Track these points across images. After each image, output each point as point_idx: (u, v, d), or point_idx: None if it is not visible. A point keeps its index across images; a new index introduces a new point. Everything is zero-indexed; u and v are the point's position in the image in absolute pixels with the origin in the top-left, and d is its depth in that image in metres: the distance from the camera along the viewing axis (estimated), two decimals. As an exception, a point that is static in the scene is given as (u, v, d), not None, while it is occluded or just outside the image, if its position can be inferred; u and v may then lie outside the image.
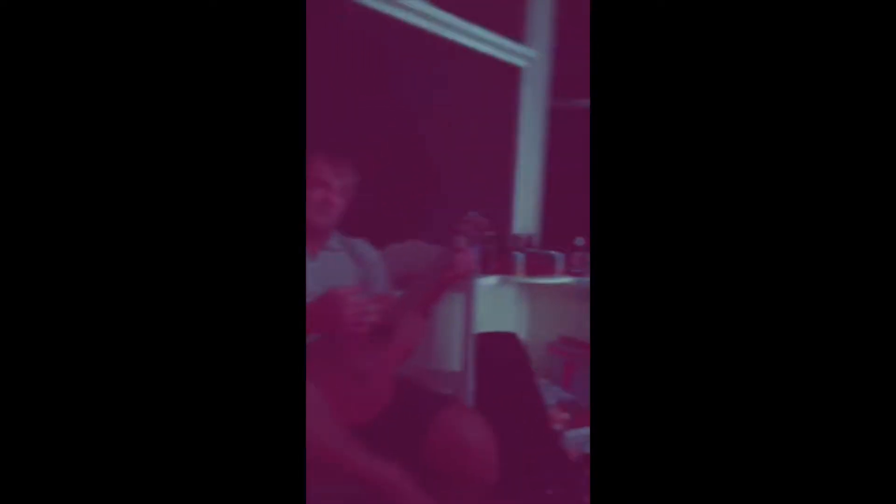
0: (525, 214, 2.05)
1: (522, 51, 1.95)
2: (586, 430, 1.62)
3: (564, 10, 1.95)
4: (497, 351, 1.51)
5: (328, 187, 0.99)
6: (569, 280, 1.80)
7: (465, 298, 1.64)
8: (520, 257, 1.83)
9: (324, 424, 0.77)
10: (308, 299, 0.82)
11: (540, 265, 1.83)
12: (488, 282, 1.83)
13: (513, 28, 1.95)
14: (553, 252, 1.83)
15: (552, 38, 1.98)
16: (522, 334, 2.04)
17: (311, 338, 0.86)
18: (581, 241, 1.83)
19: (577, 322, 1.87)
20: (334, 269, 1.05)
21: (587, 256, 1.80)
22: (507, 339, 1.56)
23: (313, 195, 0.98)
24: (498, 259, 1.84)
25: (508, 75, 1.99)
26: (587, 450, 1.59)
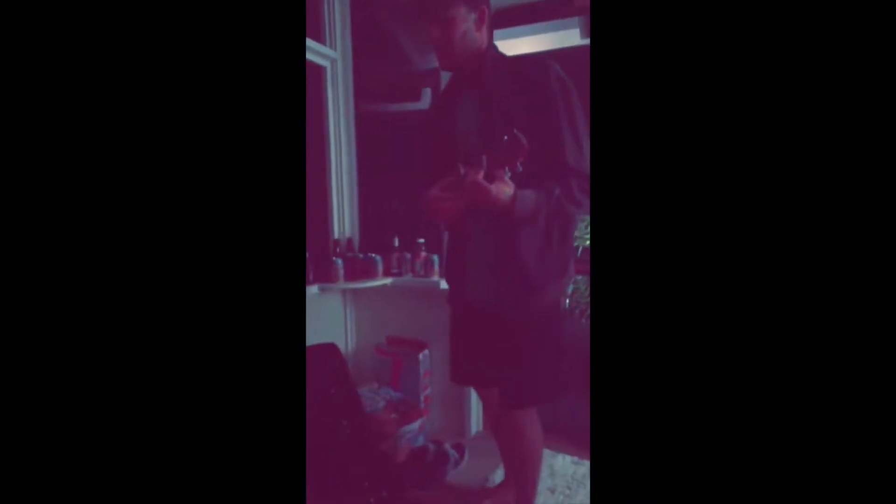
0: (342, 218, 2.01)
1: (324, 51, 1.89)
2: (416, 425, 1.68)
3: (359, 14, 1.95)
4: (317, 364, 1.45)
5: None
6: (389, 281, 1.83)
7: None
8: (339, 263, 1.79)
9: None
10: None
11: (360, 269, 1.82)
12: (310, 291, 1.75)
13: (312, 29, 1.88)
14: (372, 255, 1.84)
15: (349, 41, 1.96)
16: (350, 340, 2.01)
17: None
18: (397, 241, 1.88)
19: (402, 321, 1.91)
20: None
21: (405, 256, 1.85)
22: (327, 350, 1.51)
23: None
24: (319, 266, 1.77)
25: (313, 74, 1.92)
26: (418, 443, 1.65)
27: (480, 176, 0.85)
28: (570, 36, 1.80)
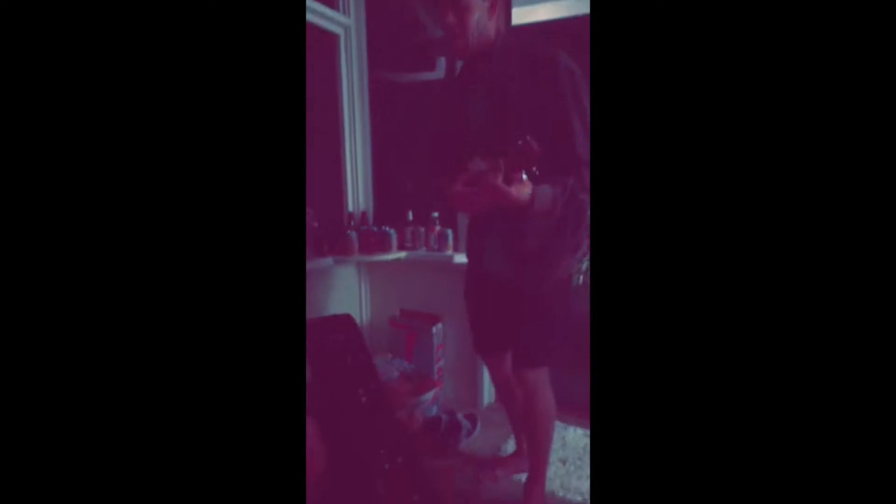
0: (356, 191, 2.00)
1: (338, 17, 1.84)
2: (430, 395, 1.71)
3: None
4: (334, 334, 1.47)
5: None
6: (403, 255, 1.83)
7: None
8: (354, 236, 1.79)
9: None
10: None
11: (374, 242, 1.82)
12: (325, 263, 1.76)
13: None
14: (386, 228, 1.84)
15: (363, 8, 1.91)
16: (364, 311, 2.04)
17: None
18: (410, 215, 1.87)
19: (416, 294, 1.92)
20: None
21: (419, 230, 1.85)
22: (344, 320, 1.53)
23: None
24: (333, 240, 1.78)
25: (327, 42, 1.88)
26: (432, 413, 1.68)
27: (500, 179, 0.90)
28: (584, 3, 1.75)
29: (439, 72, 1.96)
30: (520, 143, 0.86)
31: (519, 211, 0.96)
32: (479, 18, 1.03)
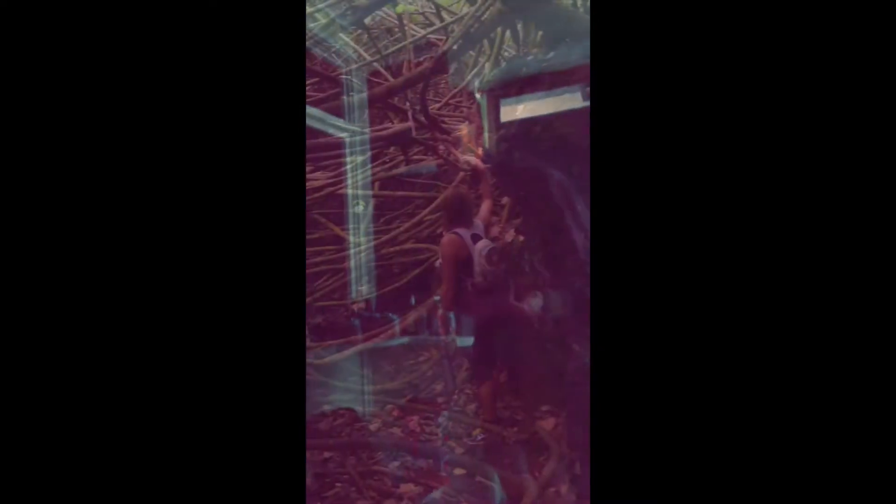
0: (360, 279, 2.05)
1: (345, 125, 2.03)
2: (438, 494, 1.59)
3: (374, 92, 2.11)
4: (333, 434, 1.43)
5: None
6: (406, 340, 1.83)
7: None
8: (357, 323, 1.81)
9: None
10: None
11: (378, 329, 1.83)
12: (328, 352, 1.76)
13: (334, 109, 2.04)
14: (390, 314, 1.85)
15: (367, 114, 2.11)
16: (367, 401, 1.98)
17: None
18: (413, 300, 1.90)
19: (420, 379, 1.88)
20: None
21: (421, 315, 1.86)
22: (347, 415, 1.49)
23: None
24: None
25: (334, 145, 2.05)
26: (440, 513, 1.56)
27: (511, 297, 0.97)
28: (571, 100, 1.92)
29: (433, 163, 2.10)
30: (527, 269, 0.92)
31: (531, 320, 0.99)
32: (468, 144, 1.14)
